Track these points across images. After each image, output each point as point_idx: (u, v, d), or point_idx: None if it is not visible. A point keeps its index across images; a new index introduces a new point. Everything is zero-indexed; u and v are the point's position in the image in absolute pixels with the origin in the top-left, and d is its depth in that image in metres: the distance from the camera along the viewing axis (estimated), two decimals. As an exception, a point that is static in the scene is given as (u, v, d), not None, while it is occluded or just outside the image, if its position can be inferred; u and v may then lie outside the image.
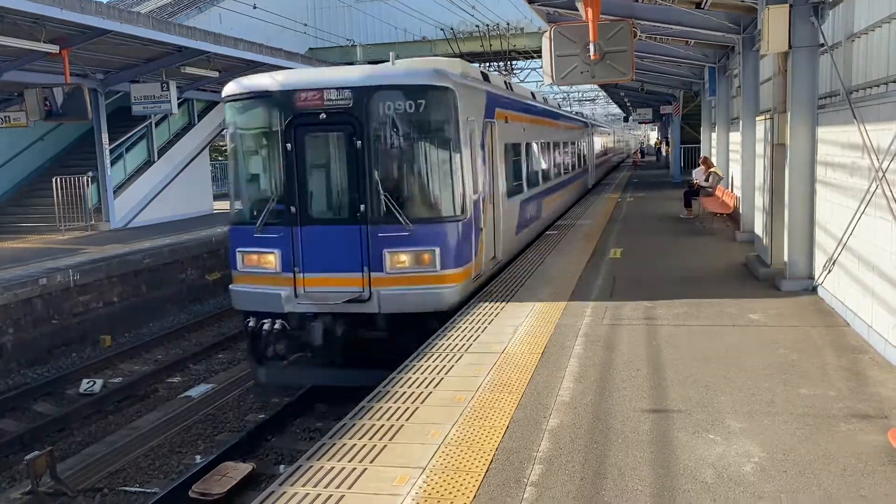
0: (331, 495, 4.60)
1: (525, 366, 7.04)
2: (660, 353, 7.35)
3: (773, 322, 8.37)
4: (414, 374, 6.91)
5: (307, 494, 4.61)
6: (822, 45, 9.34)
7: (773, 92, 10.51)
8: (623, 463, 4.95)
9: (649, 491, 4.55)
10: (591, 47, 9.20)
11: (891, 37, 7.22)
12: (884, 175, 6.94)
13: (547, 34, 9.66)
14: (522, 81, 36.98)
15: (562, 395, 6.27)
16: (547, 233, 17.03)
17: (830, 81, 9.15)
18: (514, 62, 35.73)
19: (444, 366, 7.12)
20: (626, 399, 6.13)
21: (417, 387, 6.54)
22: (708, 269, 11.78)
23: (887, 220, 6.86)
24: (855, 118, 7.72)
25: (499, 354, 7.43)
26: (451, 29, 31.61)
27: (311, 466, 5.01)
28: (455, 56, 27.71)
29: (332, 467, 4.98)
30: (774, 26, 9.54)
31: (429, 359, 7.36)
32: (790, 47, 9.62)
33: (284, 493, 4.65)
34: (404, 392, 6.42)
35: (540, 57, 10.15)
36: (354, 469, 4.95)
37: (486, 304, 9.68)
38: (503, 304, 9.66)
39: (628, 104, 49.29)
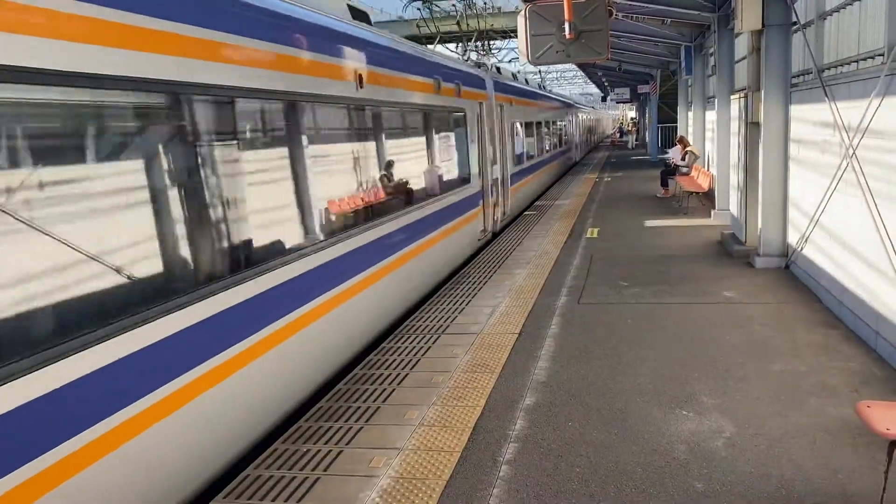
0: (306, 478, 4.60)
1: (502, 346, 7.07)
2: (635, 332, 7.41)
3: (747, 299, 8.47)
4: (390, 356, 6.91)
5: (283, 477, 4.61)
6: (795, 23, 9.38)
7: (748, 70, 10.55)
8: (598, 440, 5.00)
9: (623, 468, 4.61)
10: (567, 26, 9.15)
11: (861, 15, 7.26)
12: (854, 152, 7.01)
13: (522, 13, 9.59)
14: (501, 61, 36.78)
15: (538, 374, 6.30)
16: (525, 213, 17.07)
17: (803, 60, 9.20)
18: (491, 42, 35.51)
19: (421, 347, 7.13)
20: (601, 377, 6.18)
21: (394, 368, 6.54)
22: (684, 247, 11.87)
23: (857, 197, 6.94)
24: (826, 96, 7.78)
25: (475, 335, 7.45)
26: (429, 8, 31.31)
27: (286, 450, 5.00)
28: (433, 36, 27.50)
29: (308, 450, 4.98)
30: (748, 4, 9.57)
31: (405, 340, 7.36)
32: (763, 26, 9.66)
33: (259, 476, 4.64)
34: (381, 374, 6.42)
35: (517, 36, 10.07)
36: (330, 451, 4.95)
37: (463, 286, 9.70)
38: (480, 285, 9.68)
39: (606, 84, 49.31)
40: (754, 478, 4.42)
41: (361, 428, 5.32)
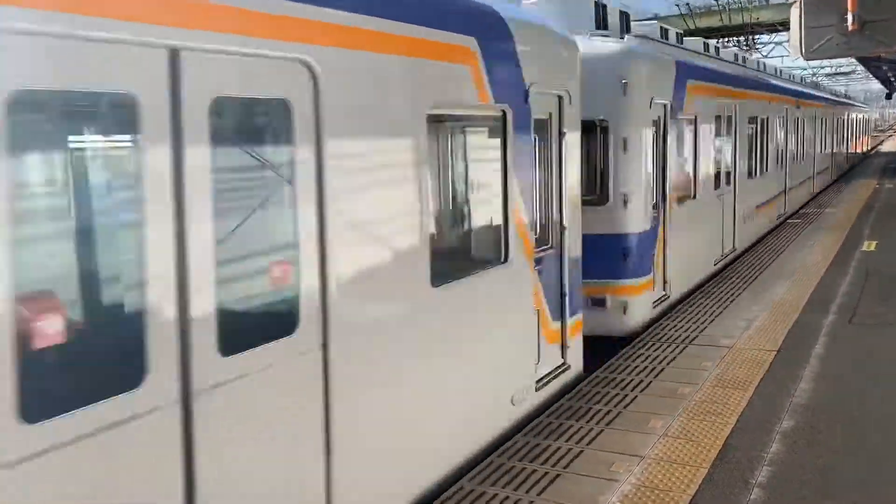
0: (546, 472, 4.68)
1: (757, 362, 6.62)
2: (920, 360, 6.52)
3: None
4: (633, 361, 6.78)
5: (524, 469, 4.75)
6: None
7: None
8: (867, 477, 4.49)
9: (899, 511, 4.10)
10: (850, 17, 8.32)
11: None
12: None
13: (796, 4, 8.90)
14: (766, 57, 34.15)
15: (798, 396, 5.81)
16: (788, 221, 15.77)
17: None
18: (756, 36, 33.09)
19: (666, 356, 6.90)
20: (873, 405, 5.54)
21: (636, 374, 6.42)
22: None
23: None
24: None
25: (727, 349, 7.05)
26: (687, 4, 30.00)
27: (527, 442, 5.14)
28: (690, 33, 26.39)
29: (549, 445, 5.07)
30: None
31: (649, 348, 7.18)
32: None
33: (503, 464, 4.82)
34: (623, 379, 6.32)
35: (786, 30, 9.34)
36: (571, 450, 4.99)
37: (713, 297, 9.21)
38: (733, 297, 9.13)
39: (893, 79, 43.62)
40: None
41: (602, 431, 5.29)
